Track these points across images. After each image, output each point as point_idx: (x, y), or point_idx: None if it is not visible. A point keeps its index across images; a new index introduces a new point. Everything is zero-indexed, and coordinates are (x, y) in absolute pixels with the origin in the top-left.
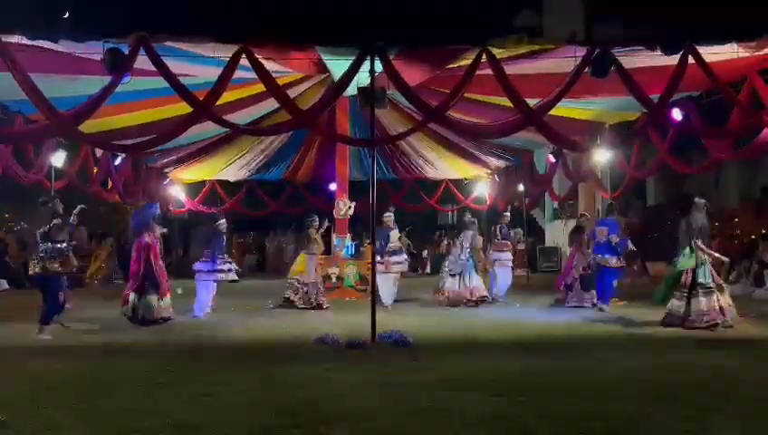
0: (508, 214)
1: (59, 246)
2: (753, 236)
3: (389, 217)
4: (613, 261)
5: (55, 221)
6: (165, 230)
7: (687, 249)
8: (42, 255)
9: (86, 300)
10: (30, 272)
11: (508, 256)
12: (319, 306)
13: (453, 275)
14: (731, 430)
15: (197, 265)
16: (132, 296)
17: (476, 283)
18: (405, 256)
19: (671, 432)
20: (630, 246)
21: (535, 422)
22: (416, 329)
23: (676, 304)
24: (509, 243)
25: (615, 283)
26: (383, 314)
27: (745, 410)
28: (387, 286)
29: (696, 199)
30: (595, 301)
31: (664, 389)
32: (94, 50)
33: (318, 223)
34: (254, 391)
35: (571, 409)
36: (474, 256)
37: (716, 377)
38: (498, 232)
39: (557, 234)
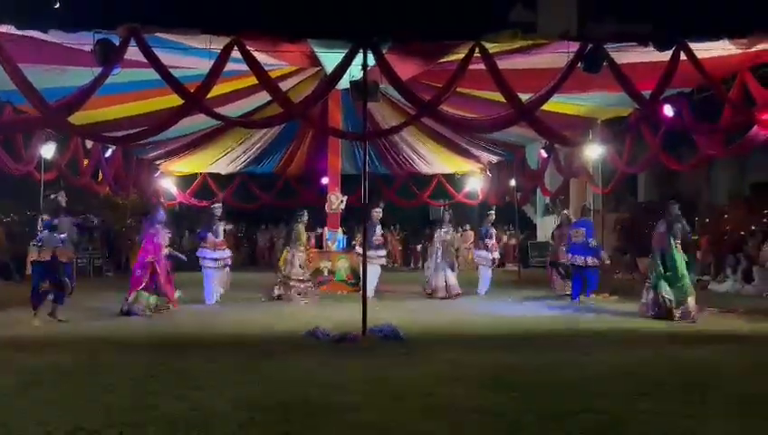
0: (492, 213)
1: (57, 235)
2: (742, 233)
3: (378, 212)
4: (590, 260)
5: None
6: (176, 254)
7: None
8: (38, 243)
9: (87, 291)
10: (30, 258)
11: (488, 255)
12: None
13: (437, 271)
14: (717, 423)
15: (200, 253)
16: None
17: (451, 280)
18: (385, 252)
19: (659, 427)
20: (603, 256)
21: (525, 418)
22: (406, 323)
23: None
24: (490, 242)
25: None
26: (374, 307)
27: (731, 405)
28: (370, 279)
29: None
30: (567, 292)
31: (651, 383)
32: (85, 41)
33: (307, 218)
34: (244, 384)
35: (561, 404)
36: (445, 251)
37: (702, 371)
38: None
39: (548, 229)
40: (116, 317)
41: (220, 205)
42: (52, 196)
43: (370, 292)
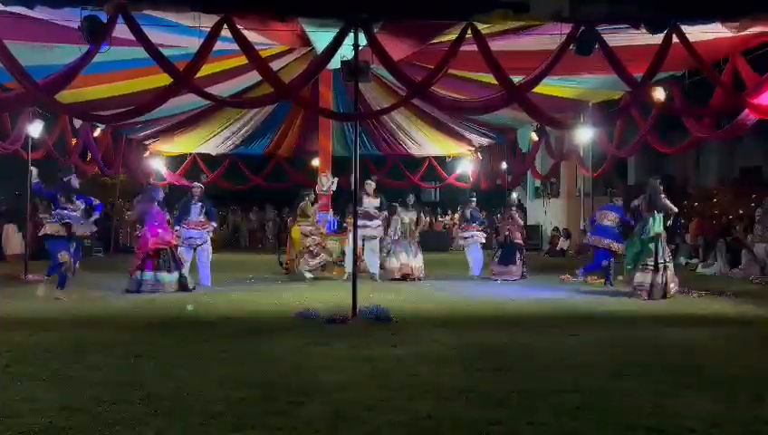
0: (474, 199)
1: (65, 212)
2: (731, 217)
3: (370, 184)
4: (615, 245)
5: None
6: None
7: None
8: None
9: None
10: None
11: (473, 235)
12: None
13: (389, 253)
14: (701, 405)
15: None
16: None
17: (404, 260)
18: (379, 223)
19: (643, 407)
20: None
21: (510, 396)
22: (397, 304)
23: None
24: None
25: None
26: (365, 289)
27: (716, 385)
28: (368, 255)
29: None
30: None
31: (637, 364)
32: (72, 17)
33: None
34: (231, 363)
35: (547, 383)
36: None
37: (688, 353)
38: (469, 215)
39: (539, 212)
40: (103, 297)
41: (197, 185)
42: (65, 178)
43: (375, 269)
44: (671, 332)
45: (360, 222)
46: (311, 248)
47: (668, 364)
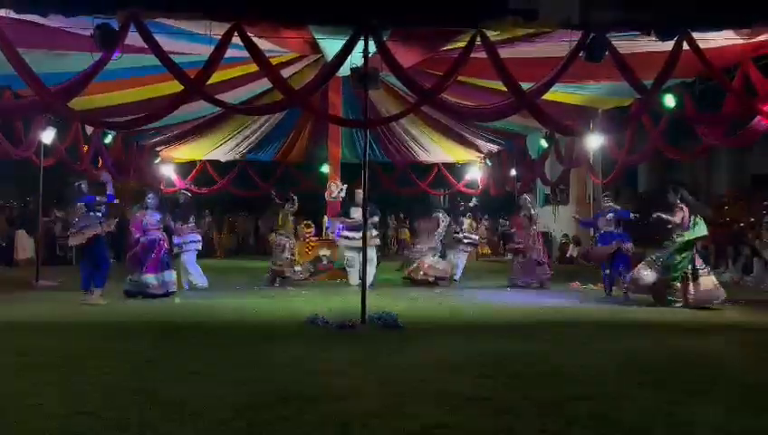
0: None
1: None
2: (742, 224)
3: (359, 194)
4: (623, 245)
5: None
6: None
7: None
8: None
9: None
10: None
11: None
12: None
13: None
14: (716, 413)
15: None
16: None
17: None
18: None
19: (656, 415)
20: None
21: (521, 405)
22: (406, 311)
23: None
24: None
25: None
26: (374, 296)
27: (730, 395)
28: (358, 266)
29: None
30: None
31: (649, 372)
32: (84, 25)
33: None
34: (241, 369)
35: (558, 391)
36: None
37: (702, 361)
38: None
39: (548, 219)
40: (115, 302)
41: (186, 192)
42: (77, 183)
43: (354, 280)
44: (683, 340)
45: (349, 233)
46: (287, 258)
47: (681, 373)
